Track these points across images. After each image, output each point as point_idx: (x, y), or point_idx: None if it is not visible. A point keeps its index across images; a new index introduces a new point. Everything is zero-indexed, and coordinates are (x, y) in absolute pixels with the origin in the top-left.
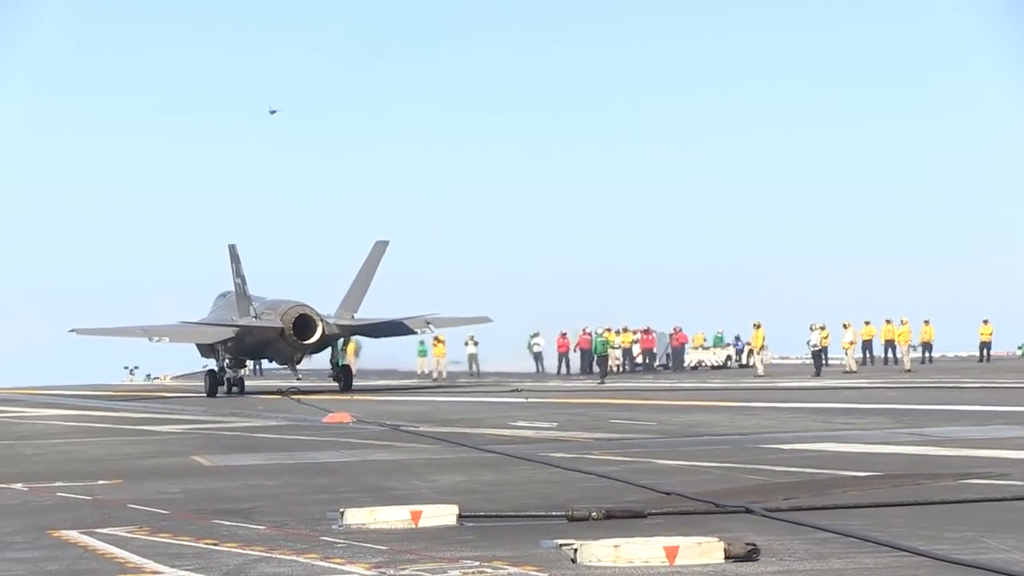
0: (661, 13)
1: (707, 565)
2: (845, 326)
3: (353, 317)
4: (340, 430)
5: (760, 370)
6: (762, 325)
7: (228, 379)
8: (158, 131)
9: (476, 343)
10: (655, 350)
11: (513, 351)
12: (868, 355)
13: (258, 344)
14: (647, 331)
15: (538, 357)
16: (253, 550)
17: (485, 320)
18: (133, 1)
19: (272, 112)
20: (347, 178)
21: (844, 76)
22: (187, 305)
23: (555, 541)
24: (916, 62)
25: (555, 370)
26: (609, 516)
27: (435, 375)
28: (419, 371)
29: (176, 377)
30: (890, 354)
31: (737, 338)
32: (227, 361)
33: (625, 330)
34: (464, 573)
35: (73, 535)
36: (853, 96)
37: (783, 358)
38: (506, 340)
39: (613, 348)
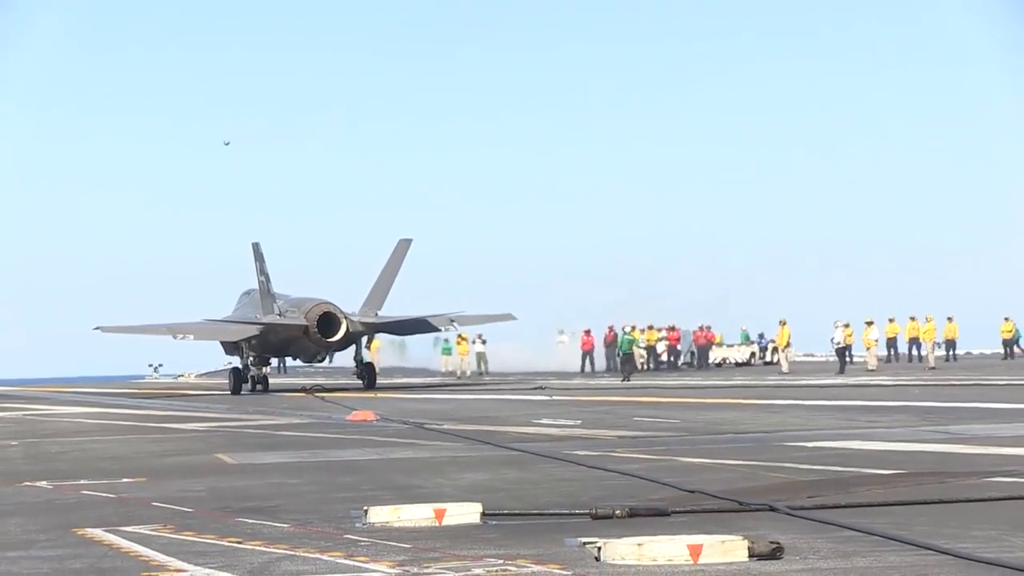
0: (680, 17)
1: (731, 563)
2: (868, 323)
3: (377, 315)
4: (364, 428)
5: (785, 367)
6: (787, 322)
7: (252, 377)
8: (182, 130)
9: (484, 342)
10: (679, 348)
11: (537, 349)
12: (893, 352)
13: (282, 342)
14: (672, 329)
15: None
16: (277, 548)
17: (509, 318)
18: (156, 1)
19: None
20: (371, 176)
21: (870, 71)
22: (211, 303)
23: (579, 539)
24: (935, 57)
25: (579, 368)
26: (633, 514)
27: (459, 373)
28: (443, 369)
29: (200, 375)
30: (914, 351)
31: (761, 335)
32: (251, 359)
33: (650, 328)
34: (488, 571)
35: (97, 533)
36: (877, 92)
37: (807, 355)
38: (530, 338)
39: (639, 347)
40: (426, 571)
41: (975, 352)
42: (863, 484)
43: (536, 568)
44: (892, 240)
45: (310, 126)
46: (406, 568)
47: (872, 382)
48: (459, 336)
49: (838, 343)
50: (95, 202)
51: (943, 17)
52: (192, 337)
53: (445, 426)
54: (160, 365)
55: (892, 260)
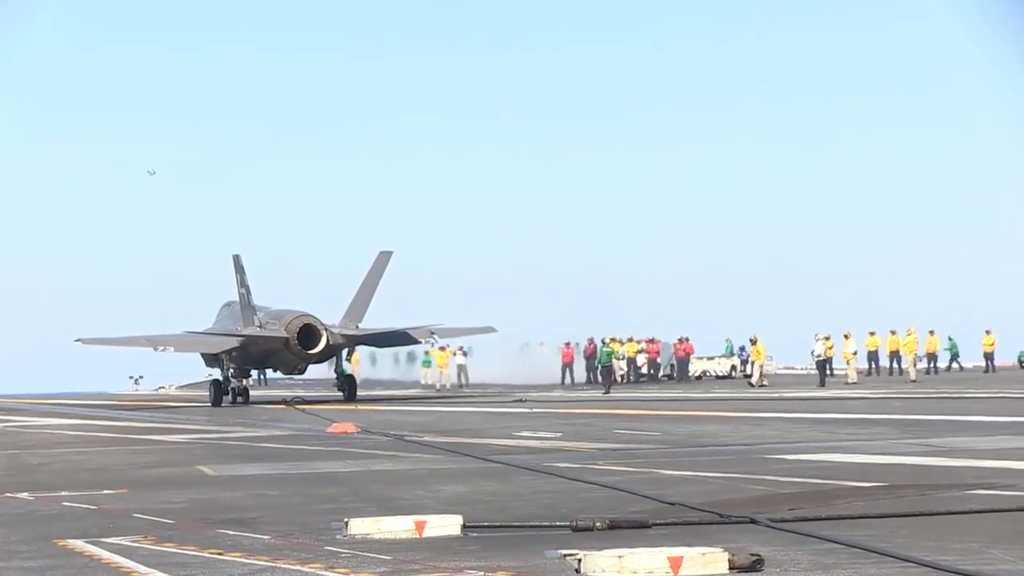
0: (661, 19)
1: None
2: (846, 336)
3: (357, 327)
4: (345, 440)
5: (755, 379)
6: (758, 340)
7: (233, 389)
8: (163, 139)
9: (465, 354)
10: (659, 360)
11: (517, 361)
12: (874, 366)
13: (262, 354)
14: (652, 341)
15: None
16: (258, 560)
17: (489, 330)
18: (140, 4)
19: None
20: (351, 188)
21: (847, 87)
22: (192, 315)
23: (559, 551)
24: (914, 72)
25: (559, 380)
26: (613, 526)
27: (439, 385)
28: (423, 381)
29: (181, 387)
30: (895, 365)
31: (742, 348)
32: (232, 371)
33: (630, 340)
34: None
35: (78, 544)
36: (858, 108)
37: (787, 368)
38: (511, 350)
39: (618, 359)
40: None
41: (955, 366)
42: (844, 496)
43: None
44: (876, 253)
45: (290, 138)
46: None
47: (852, 395)
48: (439, 348)
49: (819, 355)
50: (74, 213)
51: (914, 28)
52: (172, 349)
53: (426, 438)
54: (141, 377)
55: (874, 273)
